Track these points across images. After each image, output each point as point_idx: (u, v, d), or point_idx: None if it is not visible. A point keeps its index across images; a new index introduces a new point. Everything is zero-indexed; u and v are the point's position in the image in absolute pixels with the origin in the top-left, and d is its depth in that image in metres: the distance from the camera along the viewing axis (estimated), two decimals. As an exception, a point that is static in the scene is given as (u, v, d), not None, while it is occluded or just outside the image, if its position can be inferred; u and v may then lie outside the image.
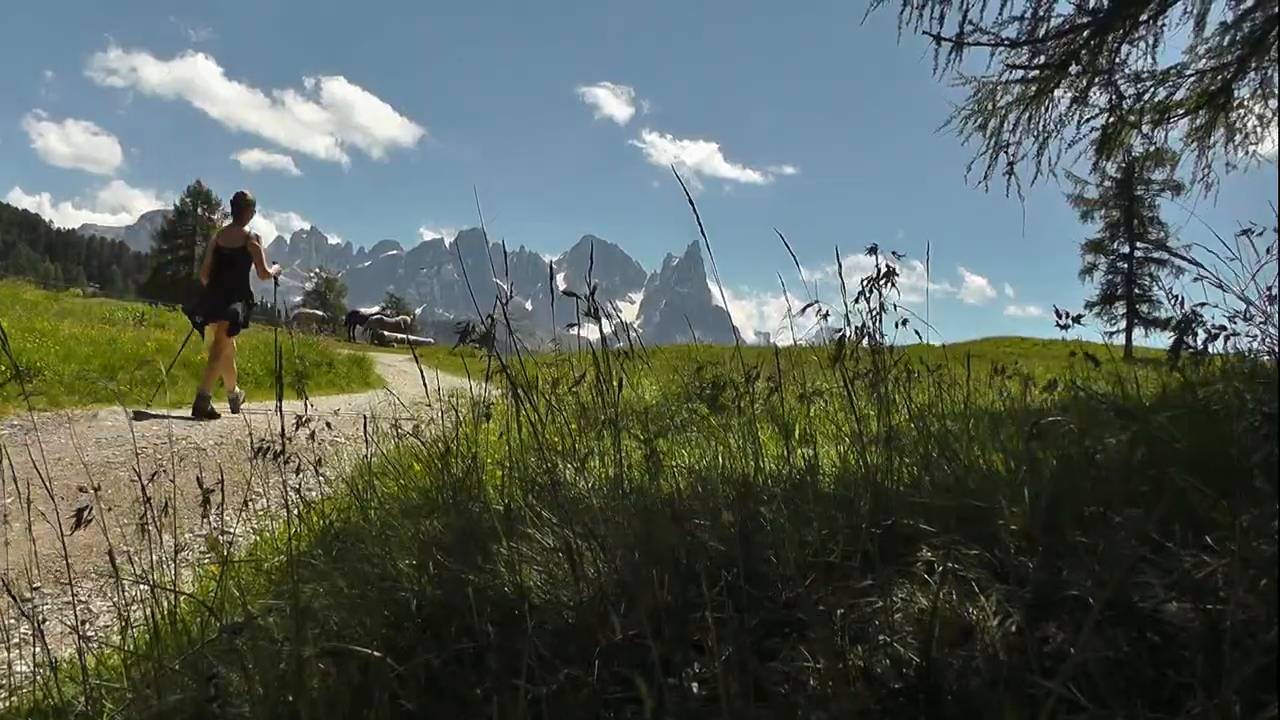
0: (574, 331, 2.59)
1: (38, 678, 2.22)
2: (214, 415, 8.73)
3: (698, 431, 3.91)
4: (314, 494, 3.88)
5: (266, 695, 1.52)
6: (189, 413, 8.80)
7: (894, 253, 2.43)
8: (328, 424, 3.36)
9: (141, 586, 2.16)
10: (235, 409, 9.39)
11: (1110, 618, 1.39)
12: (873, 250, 2.42)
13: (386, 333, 41.14)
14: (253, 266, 9.31)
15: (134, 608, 2.31)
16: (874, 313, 2.46)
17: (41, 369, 9.83)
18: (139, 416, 8.52)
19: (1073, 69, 5.94)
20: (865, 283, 2.44)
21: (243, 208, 9.47)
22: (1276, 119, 5.80)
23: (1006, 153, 6.53)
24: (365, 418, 3.59)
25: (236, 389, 9.62)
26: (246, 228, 9.36)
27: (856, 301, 2.45)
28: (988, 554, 1.70)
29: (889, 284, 2.43)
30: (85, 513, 2.01)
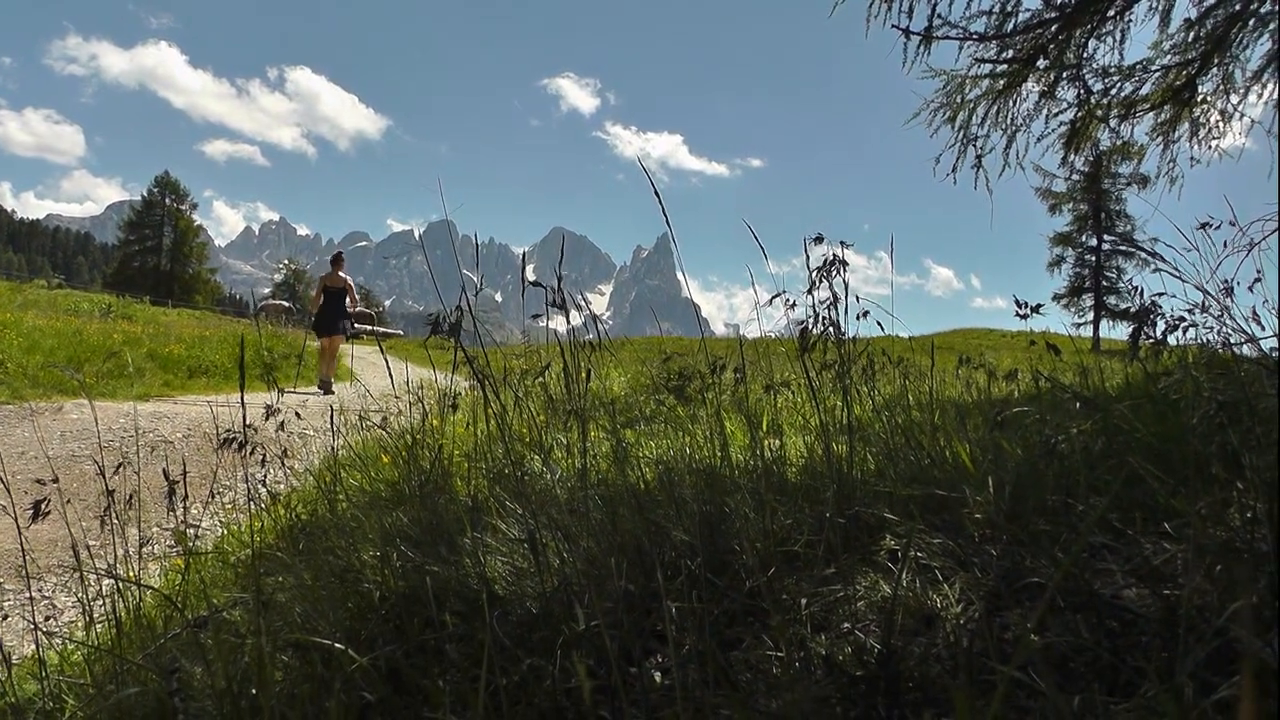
0: (542, 323, 2.58)
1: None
2: (332, 391, 13.07)
3: (665, 423, 3.92)
4: (281, 487, 3.84)
5: (229, 688, 1.51)
6: (309, 391, 13.15)
7: (842, 242, 2.44)
8: (297, 413, 3.33)
9: (107, 581, 2.13)
10: (327, 390, 13.21)
11: (1071, 604, 1.41)
12: (819, 239, 2.42)
13: (356, 324, 40.61)
14: (346, 298, 14.22)
15: (99, 602, 2.28)
16: (826, 303, 2.46)
17: (3, 361, 9.68)
18: (283, 393, 10.79)
19: (1041, 63, 5.99)
20: (815, 273, 2.44)
21: (340, 260, 14.49)
22: (1276, 102, 5.86)
23: (975, 146, 6.59)
24: (333, 410, 3.56)
25: (330, 376, 13.59)
26: (342, 273, 14.11)
27: (809, 293, 2.46)
28: (951, 542, 1.72)
29: (838, 273, 2.43)
30: (44, 504, 1.97)
